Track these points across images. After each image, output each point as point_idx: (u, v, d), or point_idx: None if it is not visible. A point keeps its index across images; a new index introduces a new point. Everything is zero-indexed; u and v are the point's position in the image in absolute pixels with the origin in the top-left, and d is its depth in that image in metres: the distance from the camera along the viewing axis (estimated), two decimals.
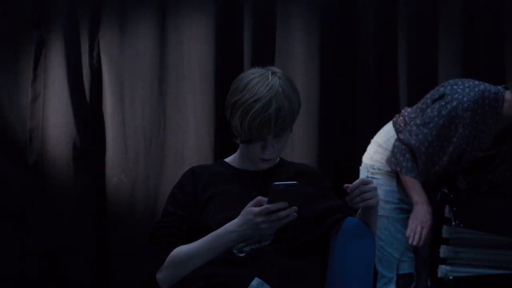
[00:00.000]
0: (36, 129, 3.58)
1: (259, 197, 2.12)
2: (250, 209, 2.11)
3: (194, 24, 3.65)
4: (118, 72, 3.62)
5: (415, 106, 3.14)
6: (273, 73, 2.23)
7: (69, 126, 3.58)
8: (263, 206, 2.09)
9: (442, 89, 3.03)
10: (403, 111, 3.19)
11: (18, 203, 3.56)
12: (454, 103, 2.93)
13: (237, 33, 3.65)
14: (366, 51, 3.63)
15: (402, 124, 3.10)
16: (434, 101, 3.02)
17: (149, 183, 3.61)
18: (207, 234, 2.19)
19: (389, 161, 3.05)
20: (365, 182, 2.16)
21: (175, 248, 2.22)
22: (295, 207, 2.10)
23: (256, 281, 2.08)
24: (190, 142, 3.61)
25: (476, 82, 3.00)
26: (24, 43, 3.61)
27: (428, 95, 3.10)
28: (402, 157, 2.99)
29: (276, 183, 2.05)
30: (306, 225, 2.19)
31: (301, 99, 2.27)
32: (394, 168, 3.03)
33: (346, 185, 2.19)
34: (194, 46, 3.64)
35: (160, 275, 2.23)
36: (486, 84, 3.01)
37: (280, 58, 3.63)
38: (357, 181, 2.16)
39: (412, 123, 3.03)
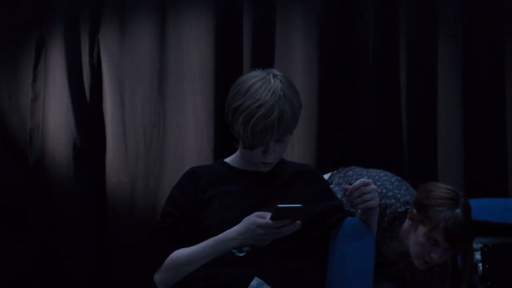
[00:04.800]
0: (36, 129, 3.58)
1: (264, 213, 2.13)
2: (253, 219, 2.12)
3: (194, 24, 3.65)
4: (118, 72, 3.62)
5: (345, 175, 2.96)
6: (275, 76, 2.22)
7: (69, 126, 3.57)
8: (266, 221, 2.09)
9: None
10: (341, 168, 3.03)
11: (18, 203, 3.55)
12: None
13: (237, 33, 3.65)
14: (366, 52, 3.63)
15: (332, 185, 2.90)
16: None
17: (149, 183, 3.61)
18: (207, 234, 2.20)
19: None
20: (366, 184, 2.17)
21: (173, 249, 2.22)
22: (298, 222, 2.11)
23: (256, 281, 2.08)
24: (190, 142, 3.61)
25: (389, 197, 2.80)
26: (24, 43, 3.60)
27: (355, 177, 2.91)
28: None
29: (279, 206, 2.05)
30: (306, 225, 2.20)
31: (301, 100, 2.28)
32: None
33: (346, 186, 2.20)
34: (194, 46, 3.64)
35: (157, 277, 2.24)
36: (408, 194, 2.82)
37: (280, 57, 3.63)
38: (357, 182, 2.17)
39: None
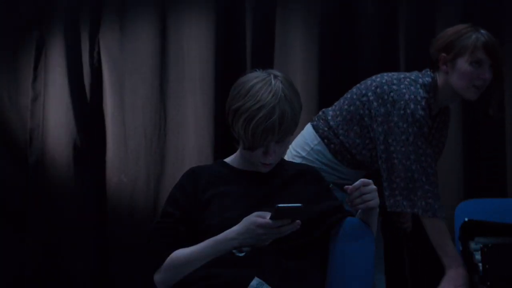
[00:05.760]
0: (36, 129, 3.58)
1: (263, 213, 2.12)
2: (253, 219, 2.12)
3: (194, 24, 3.65)
4: (118, 72, 3.62)
5: (335, 107, 3.01)
6: (275, 77, 2.23)
7: (69, 126, 3.58)
8: (266, 221, 2.09)
9: (378, 90, 2.88)
10: (321, 113, 3.06)
11: (18, 203, 3.56)
12: (412, 106, 2.82)
13: (238, 33, 3.65)
14: (366, 52, 3.63)
15: (326, 128, 2.97)
16: (380, 105, 2.86)
17: (149, 183, 3.61)
18: (207, 234, 2.20)
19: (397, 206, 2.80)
20: (366, 184, 2.17)
21: (173, 249, 2.23)
22: (298, 221, 2.11)
23: (256, 281, 2.08)
24: (190, 142, 3.61)
25: (408, 76, 2.93)
26: (24, 43, 3.60)
27: (354, 96, 2.96)
28: (413, 195, 2.79)
29: (279, 205, 2.05)
30: (306, 225, 2.20)
31: (301, 100, 2.28)
32: (411, 211, 2.80)
33: (346, 186, 2.20)
34: (194, 46, 3.63)
35: (157, 277, 2.24)
36: (415, 73, 2.97)
37: (280, 58, 3.62)
38: (357, 182, 2.17)
39: (382, 150, 2.82)
